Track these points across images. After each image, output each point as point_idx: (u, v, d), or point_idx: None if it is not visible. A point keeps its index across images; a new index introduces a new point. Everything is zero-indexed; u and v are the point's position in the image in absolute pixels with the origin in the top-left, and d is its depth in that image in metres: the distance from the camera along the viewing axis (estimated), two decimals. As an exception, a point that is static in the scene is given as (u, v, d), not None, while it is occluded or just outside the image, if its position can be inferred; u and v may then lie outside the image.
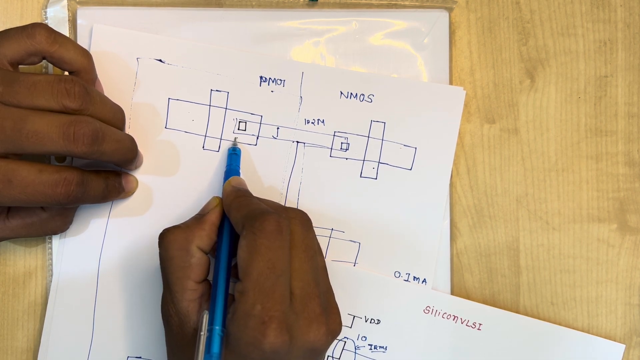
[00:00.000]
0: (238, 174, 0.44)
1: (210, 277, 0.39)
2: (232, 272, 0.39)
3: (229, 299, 0.38)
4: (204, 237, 0.39)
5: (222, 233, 0.40)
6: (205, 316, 0.36)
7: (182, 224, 0.40)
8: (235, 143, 0.46)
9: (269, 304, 0.35)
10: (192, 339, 0.37)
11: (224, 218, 0.41)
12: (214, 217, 0.40)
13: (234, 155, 0.45)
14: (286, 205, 0.46)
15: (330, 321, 0.37)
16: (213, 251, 0.40)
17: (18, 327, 0.46)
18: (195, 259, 0.38)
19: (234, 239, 0.40)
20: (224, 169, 0.45)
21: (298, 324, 0.36)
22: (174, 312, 0.38)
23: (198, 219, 0.40)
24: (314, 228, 0.41)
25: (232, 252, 0.39)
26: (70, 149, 0.36)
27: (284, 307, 0.35)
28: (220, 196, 0.42)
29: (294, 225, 0.38)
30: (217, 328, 0.35)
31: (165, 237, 0.39)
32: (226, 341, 0.35)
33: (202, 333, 0.35)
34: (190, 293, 0.38)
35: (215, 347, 0.35)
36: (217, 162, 0.46)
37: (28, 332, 0.46)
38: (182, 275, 0.38)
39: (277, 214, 0.37)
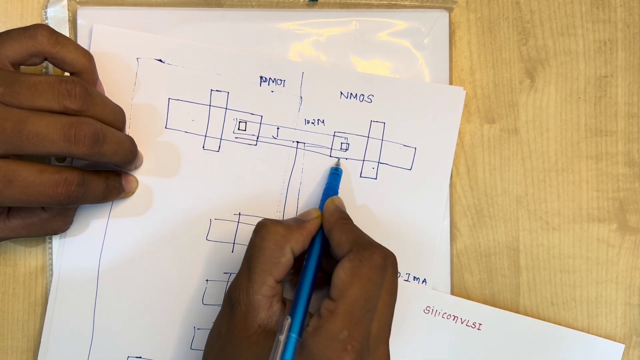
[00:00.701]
0: (337, 192, 0.45)
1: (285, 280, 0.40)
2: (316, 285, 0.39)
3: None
4: (300, 242, 0.39)
5: (314, 245, 0.41)
6: (287, 321, 0.36)
7: (283, 220, 0.40)
8: (338, 163, 0.46)
9: (355, 334, 0.35)
10: (254, 334, 0.37)
11: (320, 232, 0.41)
12: (312, 227, 0.41)
13: (335, 175, 0.45)
14: (286, 204, 0.46)
15: None
16: (298, 258, 0.40)
17: (18, 327, 0.46)
18: (285, 259, 0.38)
19: (322, 255, 0.41)
20: (230, 168, 0.46)
21: None
22: (244, 300, 0.38)
23: (299, 222, 0.40)
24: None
25: (319, 267, 0.40)
26: (70, 150, 0.36)
27: (364, 342, 0.36)
28: (319, 208, 0.43)
29: (390, 265, 0.38)
30: (294, 336, 0.36)
31: (266, 227, 0.39)
32: (299, 351, 0.36)
33: (281, 336, 0.36)
34: (267, 289, 0.38)
35: (289, 355, 0.35)
36: (217, 162, 0.46)
37: (28, 332, 0.46)
38: (268, 270, 0.38)
39: (385, 252, 0.37)
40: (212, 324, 0.40)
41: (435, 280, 0.47)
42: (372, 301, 0.36)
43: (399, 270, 0.47)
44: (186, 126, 0.46)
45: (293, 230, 0.39)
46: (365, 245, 0.37)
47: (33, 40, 0.38)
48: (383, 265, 0.37)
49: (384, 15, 0.47)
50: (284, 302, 0.39)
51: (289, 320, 0.36)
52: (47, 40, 0.38)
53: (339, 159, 0.47)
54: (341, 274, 0.36)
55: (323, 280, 0.43)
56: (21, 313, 0.46)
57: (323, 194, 0.45)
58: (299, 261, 0.40)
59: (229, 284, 0.43)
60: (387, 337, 0.38)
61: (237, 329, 0.37)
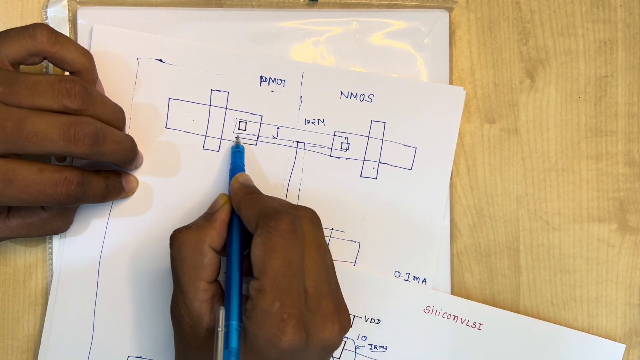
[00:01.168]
0: (243, 170, 0.44)
1: (220, 277, 0.39)
2: (245, 270, 0.39)
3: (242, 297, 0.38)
4: (215, 236, 0.39)
5: (232, 230, 0.40)
6: (221, 312, 0.36)
7: (192, 223, 0.40)
8: (238, 140, 0.46)
9: (287, 302, 0.35)
10: (205, 340, 0.37)
11: (233, 215, 0.41)
12: (223, 215, 0.40)
13: (237, 152, 0.45)
14: (286, 205, 0.46)
15: (342, 318, 0.37)
16: (223, 249, 0.40)
17: (18, 327, 0.46)
18: (208, 259, 0.38)
19: (244, 235, 0.40)
20: (228, 168, 0.45)
21: (313, 322, 0.36)
22: (185, 313, 0.38)
23: (208, 218, 0.40)
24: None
25: (243, 248, 0.39)
26: (70, 149, 0.36)
27: (301, 305, 0.35)
28: (227, 194, 0.42)
29: (304, 224, 0.38)
30: (235, 323, 0.35)
31: (177, 238, 0.39)
32: (243, 338, 0.36)
33: (219, 329, 0.35)
34: (202, 294, 0.38)
35: (234, 342, 0.35)
36: (217, 161, 0.46)
37: (28, 332, 0.46)
38: (195, 276, 0.38)
39: (290, 213, 0.37)
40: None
41: (436, 280, 0.47)
42: (294, 264, 0.36)
43: (399, 270, 0.47)
44: (186, 126, 0.46)
45: (204, 229, 0.39)
46: (270, 214, 0.36)
47: (33, 40, 0.38)
48: (292, 227, 0.36)
49: (384, 15, 0.47)
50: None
51: (223, 310, 0.36)
52: (46, 39, 0.38)
53: (237, 135, 0.46)
54: (255, 251, 0.36)
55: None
56: (21, 313, 0.46)
57: (229, 175, 0.44)
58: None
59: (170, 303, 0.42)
60: (330, 291, 0.38)
61: (190, 341, 0.38)
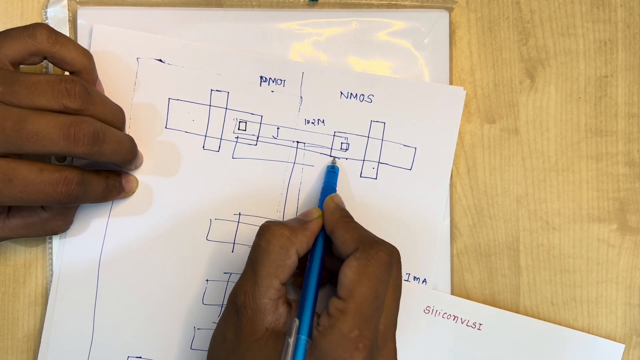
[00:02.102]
0: (335, 190, 0.45)
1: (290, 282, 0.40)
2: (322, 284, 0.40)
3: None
4: (304, 243, 0.39)
5: (318, 245, 0.40)
6: (295, 324, 0.36)
7: (286, 222, 0.40)
8: (334, 161, 0.46)
9: (365, 332, 0.35)
10: (263, 338, 0.37)
11: (322, 231, 0.41)
12: (315, 227, 0.40)
13: (332, 172, 0.45)
14: (286, 204, 0.46)
15: None
16: (302, 259, 0.40)
17: (18, 327, 0.46)
18: (291, 261, 0.38)
19: (325, 253, 0.41)
20: (229, 168, 0.46)
21: (378, 359, 0.36)
22: (250, 304, 0.37)
23: (302, 223, 0.40)
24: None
25: (322, 266, 0.40)
26: (70, 149, 0.36)
27: (374, 339, 0.36)
28: (319, 207, 0.43)
29: (396, 261, 0.38)
30: (304, 338, 0.36)
31: (270, 230, 0.39)
32: (310, 351, 0.36)
33: (290, 339, 0.36)
34: (273, 292, 0.37)
35: (300, 356, 0.35)
36: (217, 161, 0.46)
37: (28, 331, 0.46)
38: (274, 273, 0.38)
39: (390, 249, 0.38)
40: (215, 328, 0.40)
41: (436, 280, 0.47)
42: (380, 298, 0.36)
43: (400, 270, 0.47)
44: (186, 126, 0.46)
45: (297, 232, 0.39)
46: (371, 243, 0.37)
47: (32, 40, 0.38)
48: (389, 262, 0.37)
49: (384, 15, 0.47)
50: (289, 303, 0.38)
51: (297, 322, 0.36)
52: (46, 39, 0.38)
53: (334, 157, 0.47)
54: (349, 272, 0.37)
55: (325, 278, 0.43)
56: (21, 313, 0.46)
57: (321, 192, 0.45)
58: (302, 261, 0.40)
59: (232, 286, 0.43)
60: (394, 333, 0.38)
61: (245, 334, 0.37)
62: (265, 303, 0.37)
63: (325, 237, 0.41)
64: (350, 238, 0.38)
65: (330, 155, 0.47)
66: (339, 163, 0.46)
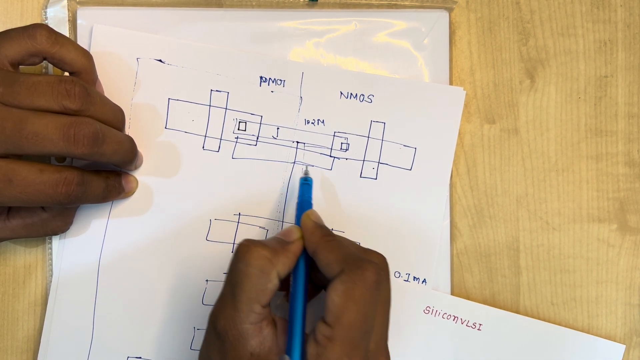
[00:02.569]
0: (311, 205, 0.43)
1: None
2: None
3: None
4: (286, 265, 0.37)
5: (298, 267, 0.39)
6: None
7: (267, 242, 0.38)
8: (307, 172, 0.45)
9: (355, 358, 0.34)
10: None
11: (303, 251, 0.39)
12: (297, 249, 0.38)
13: (305, 185, 0.44)
14: (286, 204, 0.46)
15: None
16: (283, 281, 0.38)
17: (18, 327, 0.46)
18: (272, 285, 0.36)
19: (308, 276, 0.39)
20: (229, 169, 0.45)
21: None
22: (231, 328, 0.36)
23: (282, 244, 0.38)
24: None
25: (307, 290, 0.39)
26: (70, 150, 0.36)
27: None
28: (296, 223, 0.41)
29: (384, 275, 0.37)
30: None
31: (250, 253, 0.36)
32: None
33: None
34: (255, 316, 0.36)
35: None
36: (217, 162, 0.46)
37: (28, 332, 0.46)
38: (254, 298, 0.36)
39: (377, 265, 0.36)
40: (200, 351, 0.38)
41: (435, 280, 0.47)
42: (369, 321, 0.35)
43: (399, 270, 0.47)
44: (186, 126, 0.46)
45: (278, 254, 0.37)
46: (357, 263, 0.36)
47: (32, 40, 0.38)
48: (377, 280, 0.35)
49: (384, 15, 0.47)
50: (274, 322, 0.37)
51: (287, 358, 0.35)
52: (46, 39, 0.38)
53: (306, 166, 0.46)
54: (335, 297, 0.35)
55: (312, 292, 0.42)
56: (21, 313, 0.46)
57: (297, 208, 0.43)
58: (284, 281, 0.38)
59: (214, 306, 0.40)
60: (386, 345, 0.37)
61: (228, 354, 0.36)
62: (247, 328, 0.36)
63: (307, 258, 0.39)
64: (335, 259, 0.36)
65: (302, 164, 0.46)
66: (339, 166, 0.46)
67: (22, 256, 0.46)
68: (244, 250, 0.36)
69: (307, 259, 0.39)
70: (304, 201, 0.43)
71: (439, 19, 0.47)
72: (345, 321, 0.34)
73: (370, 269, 0.35)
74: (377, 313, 0.36)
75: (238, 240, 0.46)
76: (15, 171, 0.36)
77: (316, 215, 0.41)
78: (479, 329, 0.47)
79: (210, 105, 0.46)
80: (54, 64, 0.40)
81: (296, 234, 0.39)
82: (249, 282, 0.36)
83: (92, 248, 0.45)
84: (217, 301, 0.37)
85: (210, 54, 0.46)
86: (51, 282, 0.45)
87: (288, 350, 0.36)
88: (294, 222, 0.46)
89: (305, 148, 0.46)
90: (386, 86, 0.46)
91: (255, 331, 0.36)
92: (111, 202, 0.45)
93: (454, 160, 0.47)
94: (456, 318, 0.47)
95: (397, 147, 0.47)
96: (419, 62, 0.47)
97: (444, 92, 0.47)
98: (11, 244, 0.46)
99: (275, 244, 0.38)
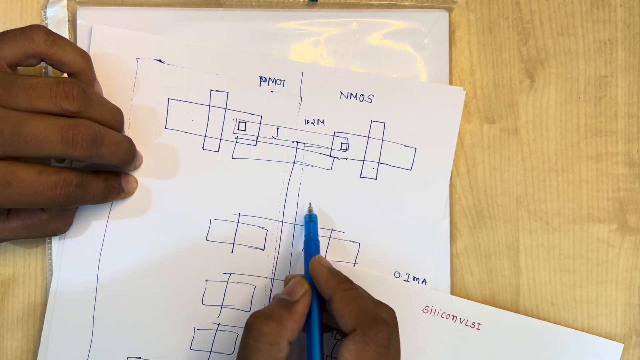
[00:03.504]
0: (318, 242, 0.44)
1: None
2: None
3: None
4: (295, 330, 0.38)
5: (312, 317, 0.39)
6: None
7: (272, 312, 0.38)
8: (311, 209, 0.46)
9: None
10: None
11: (314, 302, 0.40)
12: (304, 307, 0.39)
13: (311, 222, 0.44)
14: (286, 204, 0.46)
15: None
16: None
17: (18, 328, 0.46)
18: (283, 354, 0.37)
19: (322, 323, 0.40)
20: (230, 170, 0.46)
21: None
22: None
23: (288, 308, 0.38)
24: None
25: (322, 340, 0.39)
26: (69, 152, 0.36)
27: None
28: (305, 260, 0.42)
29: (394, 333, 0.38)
30: None
31: (257, 328, 0.37)
32: None
33: None
34: None
35: None
36: (217, 162, 0.46)
37: (28, 332, 0.46)
38: None
39: (388, 325, 0.37)
40: None
41: (435, 280, 0.47)
42: None
43: (399, 270, 0.47)
44: (186, 126, 0.46)
45: (285, 322, 0.37)
46: (370, 324, 0.36)
47: (30, 42, 0.38)
48: (388, 343, 0.36)
49: (384, 15, 0.47)
50: None
51: None
52: (43, 41, 0.38)
53: (310, 203, 0.46)
54: (347, 356, 0.36)
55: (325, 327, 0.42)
56: (21, 313, 0.46)
57: (305, 245, 0.44)
58: None
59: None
60: None
61: None
62: None
63: (319, 309, 0.39)
64: (350, 313, 0.37)
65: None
66: (339, 165, 0.46)
67: (22, 256, 0.46)
68: (251, 327, 0.37)
69: (320, 311, 0.39)
70: (311, 239, 0.43)
71: (439, 19, 0.47)
72: None
73: (382, 330, 0.36)
74: None
75: (238, 241, 0.46)
76: (14, 173, 0.36)
77: (327, 262, 0.41)
78: (478, 329, 0.47)
79: (210, 105, 0.46)
80: (52, 65, 0.40)
81: (301, 290, 0.39)
82: (259, 355, 0.36)
83: (92, 248, 0.45)
84: None
85: (210, 54, 0.46)
86: (51, 282, 0.45)
87: None
88: (296, 223, 0.46)
89: (305, 148, 0.46)
90: (386, 86, 0.46)
91: None
92: (111, 202, 0.45)
93: (454, 160, 0.47)
94: (455, 317, 0.47)
95: (397, 147, 0.47)
96: (418, 62, 0.47)
97: (444, 92, 0.47)
98: (11, 244, 0.46)
99: (281, 311, 0.38)
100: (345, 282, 0.39)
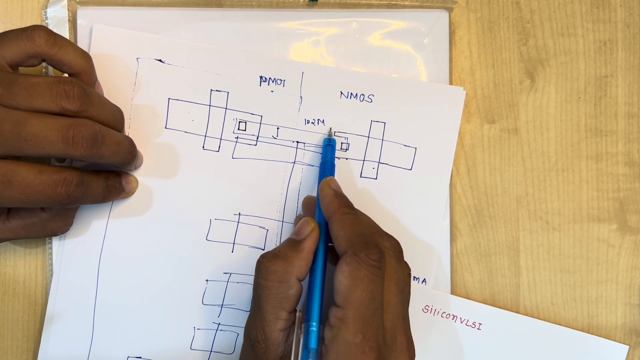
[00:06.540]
0: (334, 166, 0.44)
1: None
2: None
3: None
4: (303, 267, 0.39)
5: (317, 255, 0.40)
6: (298, 314, 0.37)
7: (280, 251, 0.39)
8: (331, 133, 0.46)
9: (369, 334, 0.35)
10: None
11: (321, 239, 0.40)
12: (311, 244, 0.40)
13: (329, 147, 0.45)
14: (286, 204, 0.46)
15: (411, 353, 0.38)
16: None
17: (18, 327, 0.46)
18: (294, 291, 0.38)
19: (327, 246, 0.40)
20: (229, 168, 0.46)
21: (389, 356, 0.36)
22: (262, 338, 0.38)
23: (295, 246, 0.39)
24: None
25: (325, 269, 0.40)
26: (69, 152, 0.36)
27: (380, 339, 0.36)
28: (318, 182, 0.42)
29: (388, 257, 0.38)
30: (315, 324, 0.37)
31: (265, 267, 0.38)
32: None
33: (300, 335, 0.37)
34: (282, 323, 0.38)
35: (313, 343, 0.36)
36: (217, 162, 0.46)
37: (28, 332, 0.46)
38: (278, 306, 0.38)
39: (379, 248, 0.37)
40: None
41: (436, 280, 0.47)
42: (377, 299, 0.36)
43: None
44: (186, 126, 0.46)
45: (292, 260, 0.38)
46: (360, 246, 0.37)
47: (30, 42, 0.38)
48: (380, 263, 0.37)
49: (384, 15, 0.47)
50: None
51: (299, 313, 0.37)
52: (44, 41, 0.38)
53: (331, 127, 0.46)
54: (342, 278, 0.36)
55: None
56: (21, 313, 0.46)
57: (320, 168, 0.44)
58: None
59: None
60: (405, 326, 0.38)
61: None
62: (276, 335, 0.37)
63: (325, 245, 0.40)
64: (344, 235, 0.38)
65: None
66: (339, 166, 0.46)
67: (22, 256, 0.46)
68: (259, 266, 0.38)
69: (326, 246, 0.40)
70: (327, 162, 0.44)
71: (439, 19, 0.47)
72: (354, 300, 0.36)
73: (372, 252, 0.37)
74: (387, 290, 0.37)
75: (238, 241, 0.46)
76: (15, 172, 0.36)
77: (336, 184, 0.42)
78: (478, 329, 0.47)
79: (210, 105, 0.46)
80: (53, 66, 0.40)
81: (308, 228, 0.40)
82: (270, 293, 0.38)
83: (92, 248, 0.45)
84: (249, 316, 0.39)
85: (210, 54, 0.46)
86: (51, 281, 0.45)
87: (307, 315, 0.37)
88: (299, 212, 0.47)
89: (305, 148, 0.46)
90: (386, 86, 0.46)
91: (284, 337, 0.38)
92: (111, 202, 0.45)
93: (454, 160, 0.47)
94: (455, 317, 0.47)
95: (397, 147, 0.47)
96: (418, 62, 0.47)
97: (444, 92, 0.47)
98: (11, 244, 0.46)
99: (288, 250, 0.39)
100: (345, 207, 0.40)
